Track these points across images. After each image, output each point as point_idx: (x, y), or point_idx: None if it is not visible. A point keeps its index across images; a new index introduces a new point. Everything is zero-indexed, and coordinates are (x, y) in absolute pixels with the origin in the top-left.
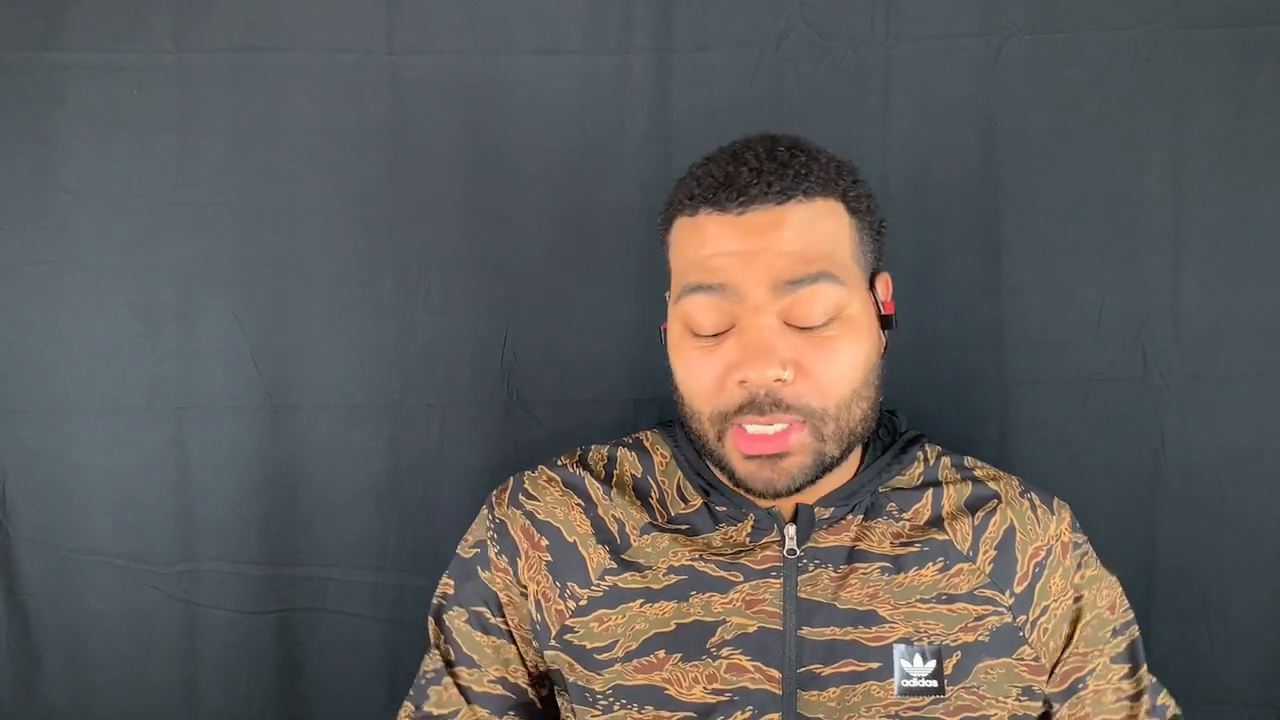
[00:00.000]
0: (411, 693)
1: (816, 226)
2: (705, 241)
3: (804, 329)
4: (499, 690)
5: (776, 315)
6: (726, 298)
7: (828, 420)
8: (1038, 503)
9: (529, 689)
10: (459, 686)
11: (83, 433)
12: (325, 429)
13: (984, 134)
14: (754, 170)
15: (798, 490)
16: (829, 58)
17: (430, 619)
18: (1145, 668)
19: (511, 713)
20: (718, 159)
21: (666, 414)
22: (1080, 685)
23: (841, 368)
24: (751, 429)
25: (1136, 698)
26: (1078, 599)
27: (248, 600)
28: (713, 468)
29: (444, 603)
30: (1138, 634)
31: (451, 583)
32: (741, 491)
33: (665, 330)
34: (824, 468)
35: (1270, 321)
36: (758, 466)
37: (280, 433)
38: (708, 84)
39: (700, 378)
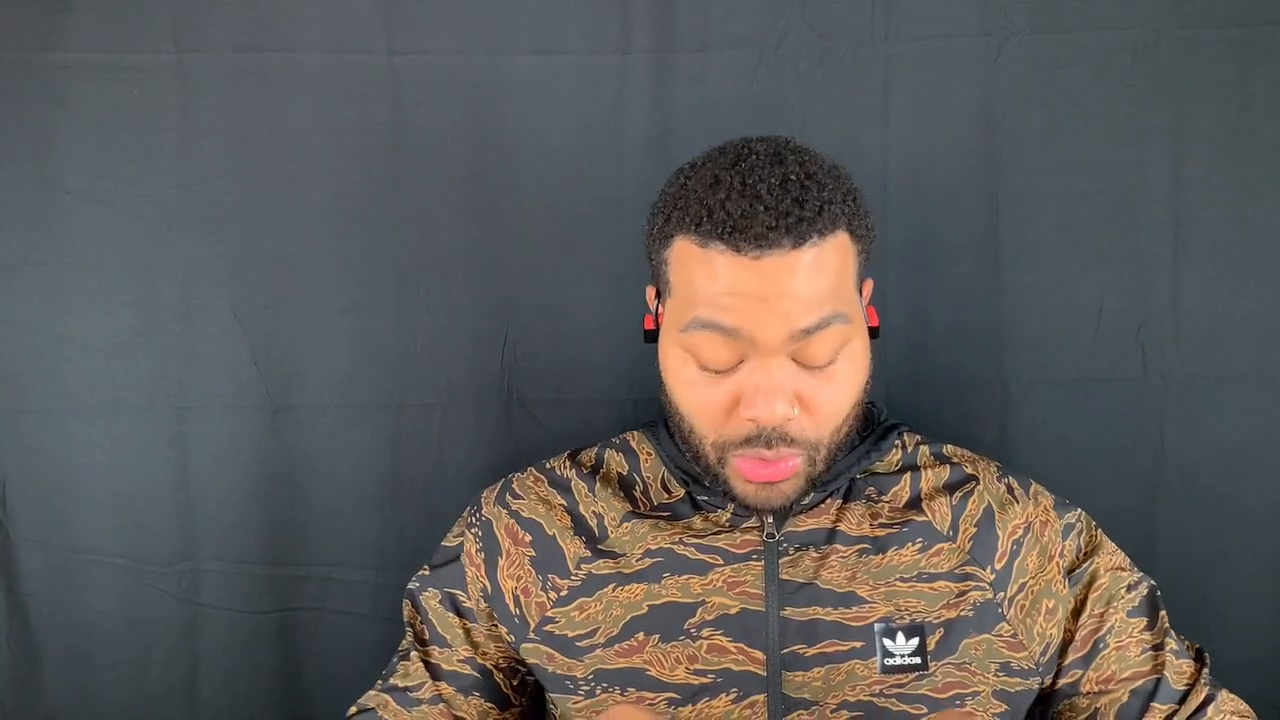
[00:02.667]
0: (384, 672)
1: (828, 265)
2: (716, 276)
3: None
4: (467, 669)
5: (788, 355)
6: (740, 338)
7: (822, 448)
8: (1015, 486)
9: (496, 673)
10: (426, 663)
11: (83, 433)
12: (325, 429)
13: (984, 134)
14: (769, 210)
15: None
16: (829, 58)
17: (406, 601)
18: (1164, 616)
19: (476, 693)
20: (726, 185)
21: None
22: (1101, 645)
23: (843, 400)
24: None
25: (1159, 646)
26: (1089, 562)
27: (248, 600)
28: (699, 469)
29: (418, 585)
30: (1151, 588)
31: (428, 568)
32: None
33: (650, 331)
34: (813, 484)
35: (1270, 321)
36: (756, 489)
37: (280, 433)
38: (708, 84)
39: (706, 408)
